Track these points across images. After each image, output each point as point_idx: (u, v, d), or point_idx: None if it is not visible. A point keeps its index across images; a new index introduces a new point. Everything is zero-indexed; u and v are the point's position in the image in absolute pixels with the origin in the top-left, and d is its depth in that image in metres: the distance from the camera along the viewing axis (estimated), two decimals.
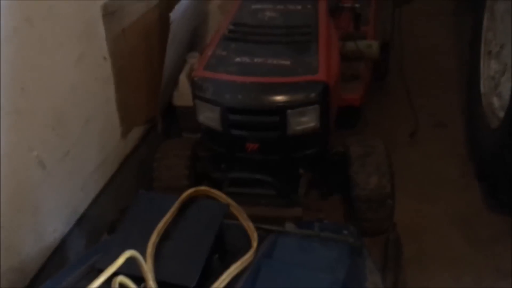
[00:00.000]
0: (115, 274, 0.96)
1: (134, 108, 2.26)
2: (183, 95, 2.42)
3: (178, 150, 2.04)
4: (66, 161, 1.80)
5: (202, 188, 1.30)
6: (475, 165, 2.35)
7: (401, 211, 1.98)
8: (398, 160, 2.15)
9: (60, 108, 1.75)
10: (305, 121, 1.79)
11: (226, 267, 1.16)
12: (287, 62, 1.84)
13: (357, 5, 2.41)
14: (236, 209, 1.28)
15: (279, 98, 1.76)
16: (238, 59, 1.88)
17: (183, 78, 2.46)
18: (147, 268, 1.05)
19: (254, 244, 1.22)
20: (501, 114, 2.10)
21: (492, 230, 2.11)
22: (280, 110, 1.75)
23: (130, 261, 1.00)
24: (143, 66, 2.30)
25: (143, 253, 1.11)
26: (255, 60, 1.87)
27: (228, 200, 1.28)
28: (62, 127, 1.77)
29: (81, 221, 1.91)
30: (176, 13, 2.17)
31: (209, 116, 1.86)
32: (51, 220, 1.75)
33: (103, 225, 1.90)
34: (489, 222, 2.14)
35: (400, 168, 2.13)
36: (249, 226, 1.26)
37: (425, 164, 2.45)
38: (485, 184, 2.23)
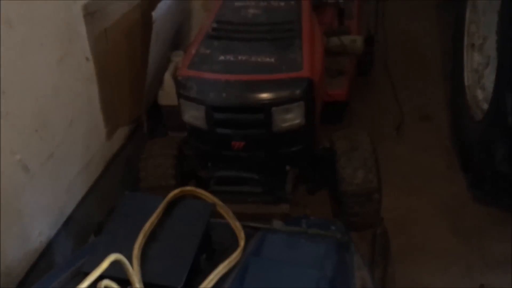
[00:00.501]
0: (101, 277, 0.96)
1: (118, 108, 2.24)
2: (168, 94, 2.41)
3: (164, 149, 2.03)
4: (50, 164, 1.78)
5: (188, 188, 1.29)
6: (461, 157, 2.37)
7: (388, 205, 2.00)
8: (384, 154, 2.17)
9: (42, 110, 1.73)
10: (290, 118, 1.79)
11: (214, 266, 1.16)
12: (271, 59, 1.84)
13: (340, 0, 2.42)
14: (223, 208, 1.27)
15: (263, 95, 1.75)
16: (222, 57, 1.87)
17: (167, 77, 2.44)
18: (133, 271, 1.04)
19: (241, 242, 1.22)
20: (485, 106, 2.12)
21: (479, 221, 2.14)
22: (265, 107, 1.75)
23: (117, 263, 1.00)
24: (127, 66, 2.28)
25: (129, 255, 1.10)
26: (239, 57, 1.86)
27: (214, 199, 1.28)
28: (45, 130, 1.75)
29: (67, 223, 1.90)
30: (158, 12, 2.15)
31: (194, 115, 1.85)
32: (36, 224, 1.73)
33: (90, 226, 1.89)
34: (476, 213, 2.17)
35: (386, 162, 2.15)
36: (236, 225, 1.26)
37: (411, 157, 2.47)
38: (470, 175, 2.25)
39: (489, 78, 2.16)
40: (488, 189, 2.09)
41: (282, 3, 2.11)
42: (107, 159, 2.19)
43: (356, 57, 2.50)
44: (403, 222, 2.14)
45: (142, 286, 1.05)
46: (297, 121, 1.81)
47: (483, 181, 2.09)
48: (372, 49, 2.87)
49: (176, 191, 1.27)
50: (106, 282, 0.93)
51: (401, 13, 3.45)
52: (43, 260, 1.75)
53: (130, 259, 1.08)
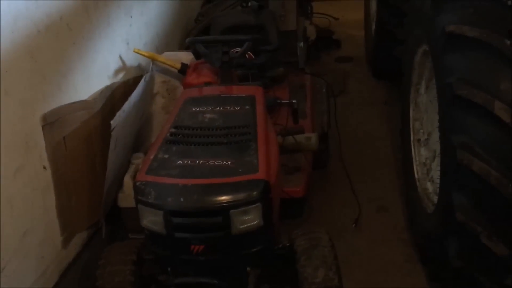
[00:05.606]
0: None
1: (76, 214, 2.21)
2: (128, 196, 2.40)
3: (122, 255, 1.99)
4: (1, 278, 1.71)
5: None
6: (418, 249, 2.41)
7: None
8: (344, 248, 2.19)
9: None
10: (249, 219, 1.81)
11: None
12: (228, 163, 1.89)
13: (294, 101, 2.55)
14: None
15: (221, 198, 1.78)
16: (179, 162, 1.91)
17: (127, 180, 2.45)
18: None
19: None
20: (435, 199, 2.19)
21: None
22: (223, 210, 1.76)
23: None
24: (85, 171, 2.28)
25: None
26: (197, 161, 1.90)
27: None
28: None
29: None
30: (117, 120, 2.20)
31: (152, 220, 1.84)
32: None
33: None
34: None
35: (346, 256, 2.17)
36: None
37: (370, 250, 2.50)
38: (428, 268, 2.28)
39: (437, 172, 2.25)
40: (447, 282, 2.11)
41: (238, 108, 2.20)
42: (63, 268, 2.12)
43: (312, 153, 2.60)
44: None
45: None
46: (255, 223, 1.82)
47: (441, 274, 2.11)
48: (327, 145, 2.99)
49: None
50: None
51: (352, 110, 3.65)
52: None
53: None
